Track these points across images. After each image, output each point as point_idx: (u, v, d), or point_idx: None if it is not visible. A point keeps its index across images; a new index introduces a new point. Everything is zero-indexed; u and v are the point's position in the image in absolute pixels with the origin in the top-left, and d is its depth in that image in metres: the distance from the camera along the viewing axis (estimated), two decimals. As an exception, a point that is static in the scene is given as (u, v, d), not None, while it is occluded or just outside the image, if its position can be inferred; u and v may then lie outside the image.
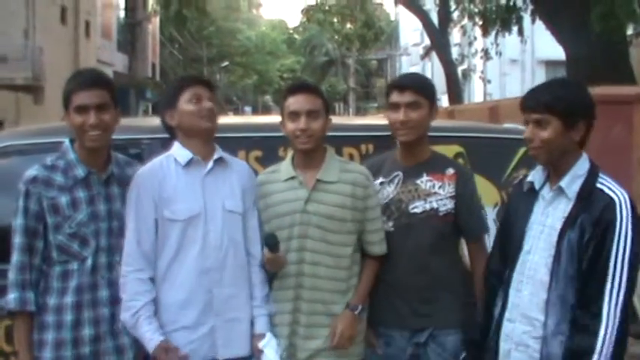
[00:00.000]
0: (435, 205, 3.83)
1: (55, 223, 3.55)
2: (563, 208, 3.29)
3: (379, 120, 4.84)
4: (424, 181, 3.87)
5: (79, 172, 3.60)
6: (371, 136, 4.46)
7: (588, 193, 3.24)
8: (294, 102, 3.79)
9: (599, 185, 3.26)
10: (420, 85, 3.90)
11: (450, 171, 3.88)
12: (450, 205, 3.84)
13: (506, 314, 3.44)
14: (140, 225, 3.62)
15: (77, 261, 3.57)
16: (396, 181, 3.91)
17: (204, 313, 3.63)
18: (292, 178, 3.82)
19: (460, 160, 4.40)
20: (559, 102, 3.23)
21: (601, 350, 3.10)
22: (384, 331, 3.90)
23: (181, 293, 3.62)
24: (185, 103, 3.67)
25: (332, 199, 3.76)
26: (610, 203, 3.19)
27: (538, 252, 3.34)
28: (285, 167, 3.88)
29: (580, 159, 3.33)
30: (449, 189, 3.85)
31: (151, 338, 3.54)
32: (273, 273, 3.81)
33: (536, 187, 3.43)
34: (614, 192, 3.23)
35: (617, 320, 3.12)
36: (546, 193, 3.39)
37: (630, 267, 3.14)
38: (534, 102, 3.30)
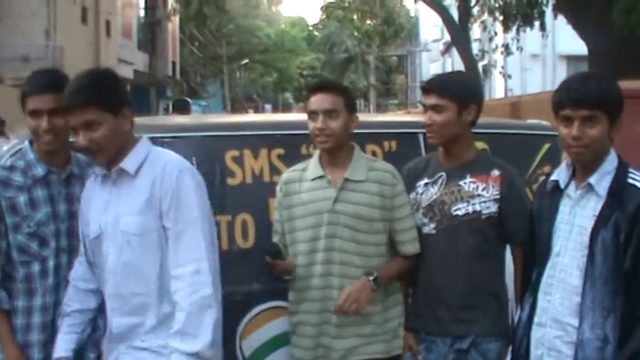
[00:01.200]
0: (477, 207, 3.74)
1: (14, 222, 3.51)
2: (593, 207, 3.16)
3: (401, 117, 4.83)
4: (467, 183, 3.79)
5: (39, 171, 3.56)
6: (394, 133, 4.43)
7: (620, 190, 3.11)
8: (313, 101, 3.77)
9: (630, 181, 3.13)
10: (443, 88, 3.78)
11: (495, 172, 3.79)
12: (493, 208, 3.74)
13: (536, 319, 3.34)
14: (83, 238, 3.52)
15: (37, 261, 3.53)
16: (439, 182, 3.83)
17: (110, 341, 3.41)
18: (320, 177, 3.79)
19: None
20: (609, 97, 3.09)
21: None
22: (425, 336, 3.83)
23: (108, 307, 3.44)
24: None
25: (360, 199, 3.73)
26: None
27: (568, 253, 3.21)
28: (312, 166, 3.85)
29: (609, 155, 3.20)
30: (493, 191, 3.75)
31: (57, 349, 3.45)
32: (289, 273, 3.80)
33: (562, 185, 3.31)
34: None
35: None
36: (572, 191, 3.26)
37: None
38: (583, 97, 3.07)
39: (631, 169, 3.20)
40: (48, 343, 3.53)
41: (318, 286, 3.75)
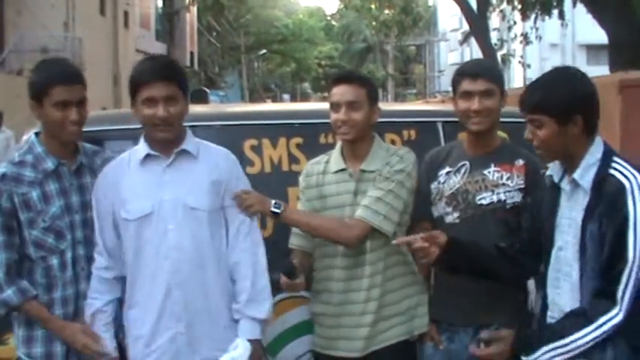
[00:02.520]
0: (502, 197, 3.71)
1: (29, 218, 3.48)
2: (582, 200, 3.15)
3: (420, 106, 4.83)
4: (492, 172, 3.75)
5: (48, 164, 3.53)
6: (413, 122, 4.42)
7: (601, 181, 3.10)
8: (336, 92, 3.74)
9: (611, 171, 3.10)
10: (492, 73, 3.79)
11: (520, 162, 3.75)
12: (517, 197, 3.70)
13: (549, 312, 3.33)
14: (102, 223, 3.53)
15: (55, 255, 3.52)
16: (462, 170, 3.80)
17: (163, 318, 3.45)
18: (342, 170, 3.78)
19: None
20: (549, 101, 3.13)
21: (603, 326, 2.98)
22: (447, 326, 3.82)
23: (141, 298, 3.48)
24: (140, 105, 3.44)
25: None
26: (621, 189, 3.03)
27: (569, 247, 3.20)
28: (334, 158, 3.84)
29: (591, 146, 3.18)
30: (517, 181, 3.72)
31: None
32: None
33: (556, 180, 3.30)
34: (625, 176, 3.06)
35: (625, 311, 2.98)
36: (565, 185, 3.26)
37: None
38: (526, 102, 3.20)
39: (615, 158, 3.16)
40: None
41: (341, 278, 3.74)
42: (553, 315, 3.30)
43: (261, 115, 4.46)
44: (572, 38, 41.50)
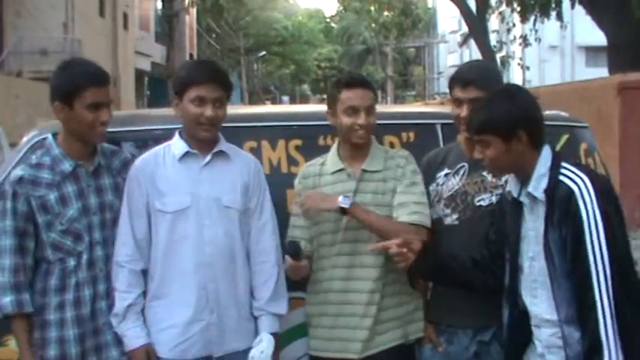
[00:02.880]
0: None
1: (46, 221, 3.48)
2: (541, 211, 3.25)
3: (419, 108, 4.84)
4: None
5: (66, 166, 3.53)
6: (412, 124, 4.42)
7: (553, 189, 3.19)
8: (354, 97, 3.71)
9: (560, 177, 3.19)
10: (485, 78, 3.73)
11: None
12: None
13: (532, 321, 3.38)
14: (133, 214, 3.57)
15: (73, 257, 3.52)
16: (461, 172, 3.80)
17: (197, 310, 3.56)
18: (340, 170, 3.78)
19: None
20: (492, 121, 3.24)
21: (608, 345, 3.03)
22: (446, 328, 3.81)
23: (173, 290, 3.57)
24: (188, 102, 3.55)
25: (378, 187, 3.72)
26: (570, 194, 3.12)
27: (541, 257, 3.27)
28: (331, 159, 3.84)
29: (540, 157, 3.27)
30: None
31: (138, 336, 3.53)
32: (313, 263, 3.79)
33: (515, 195, 3.38)
34: (572, 180, 3.15)
35: (613, 315, 3.03)
36: (524, 199, 3.34)
37: (610, 254, 3.06)
38: (471, 124, 3.35)
39: (564, 165, 3.24)
40: (85, 338, 3.54)
41: (340, 277, 3.74)
42: (535, 323, 3.37)
43: (260, 117, 4.45)
44: (572, 40, 41.49)
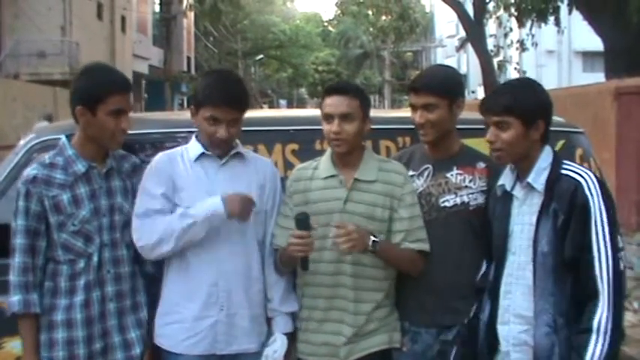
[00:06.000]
0: (465, 199, 3.76)
1: (59, 221, 3.48)
2: (537, 203, 3.31)
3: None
4: (454, 175, 3.80)
5: (79, 167, 3.53)
6: (408, 129, 4.42)
7: (555, 182, 3.27)
8: (329, 104, 3.72)
9: (563, 172, 3.28)
10: (434, 86, 3.76)
11: (481, 165, 3.81)
12: (480, 199, 3.76)
13: (499, 318, 3.44)
14: (147, 197, 3.58)
15: (83, 258, 3.53)
16: (425, 174, 3.84)
17: (207, 306, 3.59)
18: (332, 176, 3.76)
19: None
20: (518, 104, 3.29)
21: (600, 329, 3.10)
22: (410, 327, 3.83)
23: (186, 284, 3.61)
24: (202, 119, 3.57)
25: (370, 199, 3.70)
26: (578, 186, 3.21)
27: (523, 251, 3.35)
28: (324, 164, 3.82)
29: (543, 152, 3.37)
30: (480, 183, 3.78)
31: (213, 201, 3.51)
32: (302, 265, 3.70)
33: (508, 188, 3.45)
34: (579, 174, 3.26)
35: (612, 303, 3.11)
36: (518, 192, 3.41)
37: (613, 244, 3.15)
38: (494, 104, 3.36)
39: (565, 162, 3.37)
40: (92, 339, 3.53)
41: (329, 284, 3.73)
42: (503, 320, 3.43)
43: (257, 121, 4.45)
44: (569, 45, 41.55)
